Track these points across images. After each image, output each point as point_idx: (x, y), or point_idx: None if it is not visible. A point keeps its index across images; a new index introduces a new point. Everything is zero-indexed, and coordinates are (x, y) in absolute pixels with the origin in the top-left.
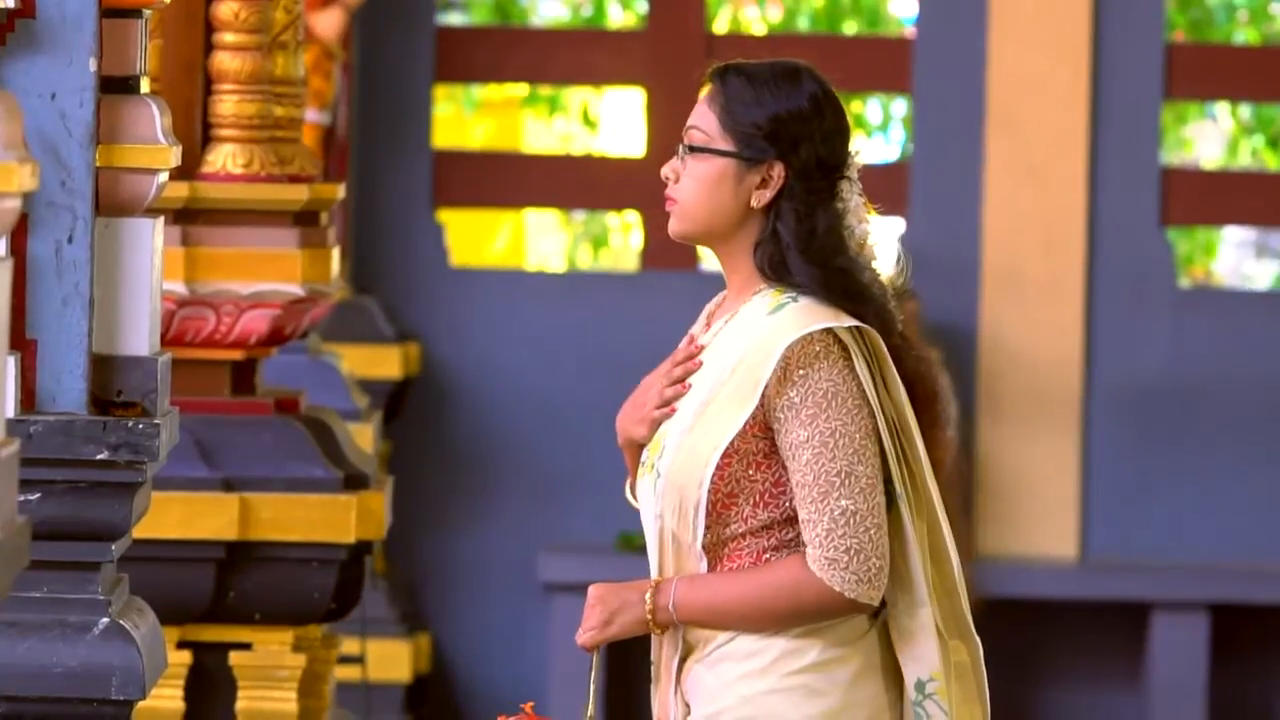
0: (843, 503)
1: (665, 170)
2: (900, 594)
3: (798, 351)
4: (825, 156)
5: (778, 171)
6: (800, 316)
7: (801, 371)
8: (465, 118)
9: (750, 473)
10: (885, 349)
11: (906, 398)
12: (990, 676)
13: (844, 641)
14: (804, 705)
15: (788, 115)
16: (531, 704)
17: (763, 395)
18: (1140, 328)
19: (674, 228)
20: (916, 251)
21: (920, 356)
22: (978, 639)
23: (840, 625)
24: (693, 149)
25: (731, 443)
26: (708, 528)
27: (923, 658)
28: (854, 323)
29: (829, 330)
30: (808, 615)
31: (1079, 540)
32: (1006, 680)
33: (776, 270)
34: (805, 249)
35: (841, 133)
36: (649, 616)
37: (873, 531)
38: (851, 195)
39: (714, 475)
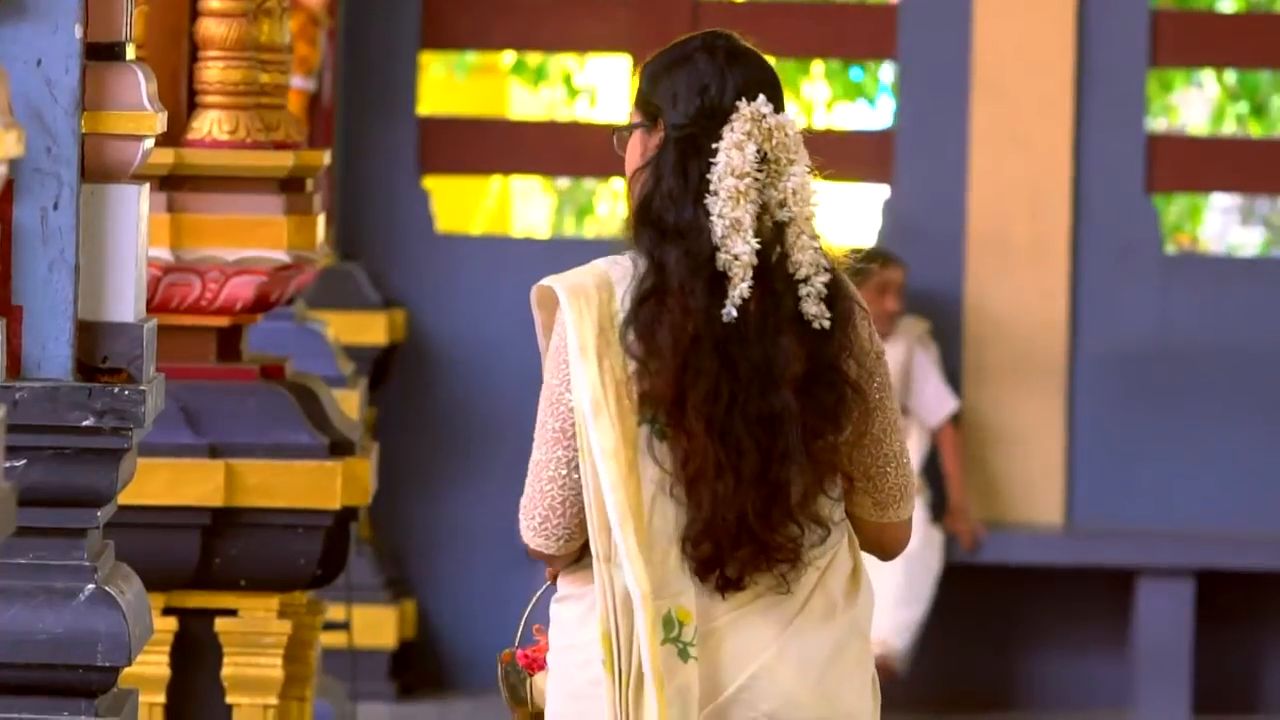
0: (533, 454)
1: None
2: None
3: (536, 303)
4: (705, 108)
5: (661, 130)
6: None
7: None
8: (457, 82)
9: None
10: (612, 307)
11: (622, 359)
12: (976, 642)
13: (576, 583)
14: (555, 637)
15: (668, 77)
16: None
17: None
18: (1126, 294)
19: None
20: (902, 218)
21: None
22: (640, 597)
23: (576, 566)
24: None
25: None
26: None
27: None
28: (571, 279)
29: (550, 285)
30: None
31: (1065, 507)
32: (992, 646)
33: None
34: (637, 203)
35: (724, 84)
36: None
37: (543, 483)
38: (731, 136)
39: None
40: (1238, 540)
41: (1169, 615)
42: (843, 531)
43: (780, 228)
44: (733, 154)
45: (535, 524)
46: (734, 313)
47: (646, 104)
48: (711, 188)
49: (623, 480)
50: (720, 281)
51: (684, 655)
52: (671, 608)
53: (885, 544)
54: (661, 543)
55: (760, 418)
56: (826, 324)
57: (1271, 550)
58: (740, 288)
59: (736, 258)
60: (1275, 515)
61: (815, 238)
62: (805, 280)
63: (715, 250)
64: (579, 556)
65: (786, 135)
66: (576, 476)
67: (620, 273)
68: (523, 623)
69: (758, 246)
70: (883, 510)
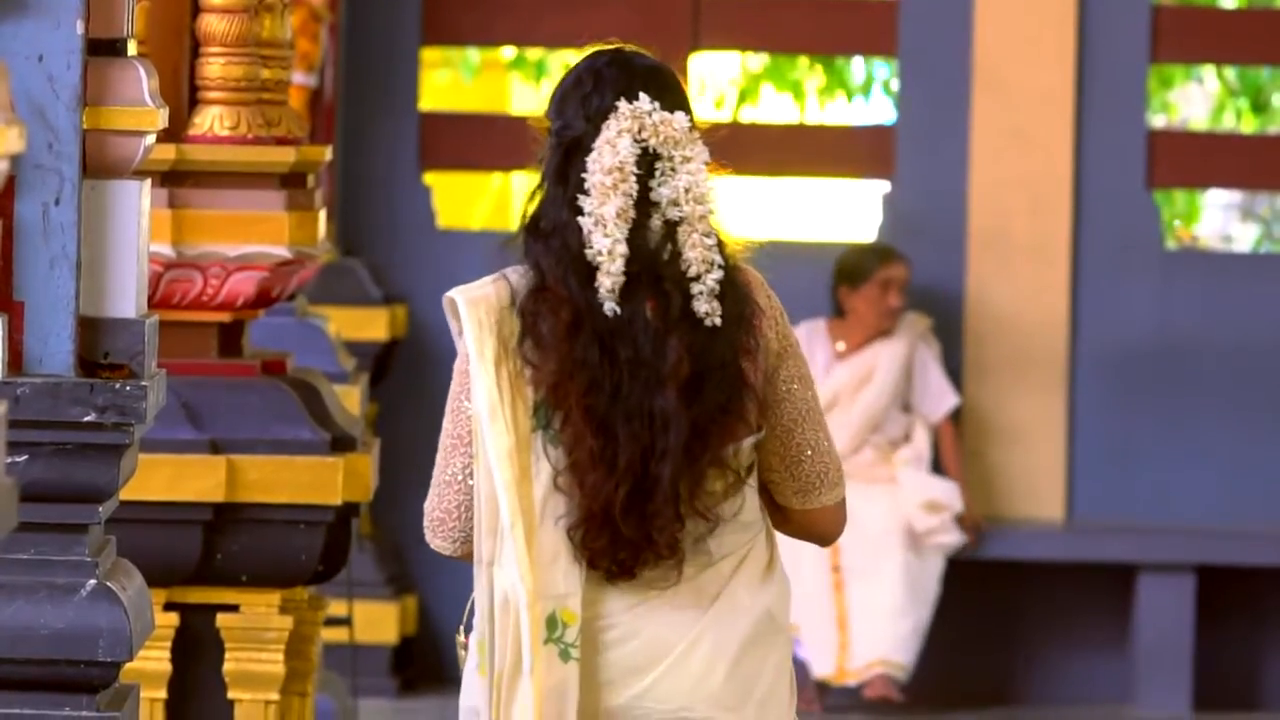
0: (436, 459)
1: None
2: None
3: (449, 314)
4: (585, 114)
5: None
6: None
7: None
8: (464, 83)
9: None
10: (499, 311)
11: (515, 364)
12: (976, 638)
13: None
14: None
15: (563, 98)
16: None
17: None
18: (1126, 290)
19: None
20: (903, 214)
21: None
22: (524, 594)
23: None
24: None
25: None
26: None
27: None
28: (474, 290)
29: (452, 296)
30: None
31: (1065, 502)
32: (992, 642)
33: None
34: (525, 214)
35: (604, 90)
36: None
37: (441, 488)
38: (606, 134)
39: None
40: (1238, 535)
41: (1169, 610)
42: (755, 529)
43: (672, 226)
44: (604, 150)
45: (434, 526)
46: (615, 307)
47: (548, 127)
48: (585, 186)
49: (515, 483)
50: (595, 277)
51: (565, 655)
52: (556, 609)
53: (815, 530)
54: (552, 544)
55: (641, 413)
56: (718, 322)
57: (1272, 545)
58: (604, 281)
59: (600, 253)
60: (1276, 510)
61: (708, 235)
62: (697, 278)
63: (584, 247)
64: None
65: (674, 130)
66: (473, 483)
67: (520, 281)
68: (468, 608)
69: (622, 237)
70: (805, 497)
